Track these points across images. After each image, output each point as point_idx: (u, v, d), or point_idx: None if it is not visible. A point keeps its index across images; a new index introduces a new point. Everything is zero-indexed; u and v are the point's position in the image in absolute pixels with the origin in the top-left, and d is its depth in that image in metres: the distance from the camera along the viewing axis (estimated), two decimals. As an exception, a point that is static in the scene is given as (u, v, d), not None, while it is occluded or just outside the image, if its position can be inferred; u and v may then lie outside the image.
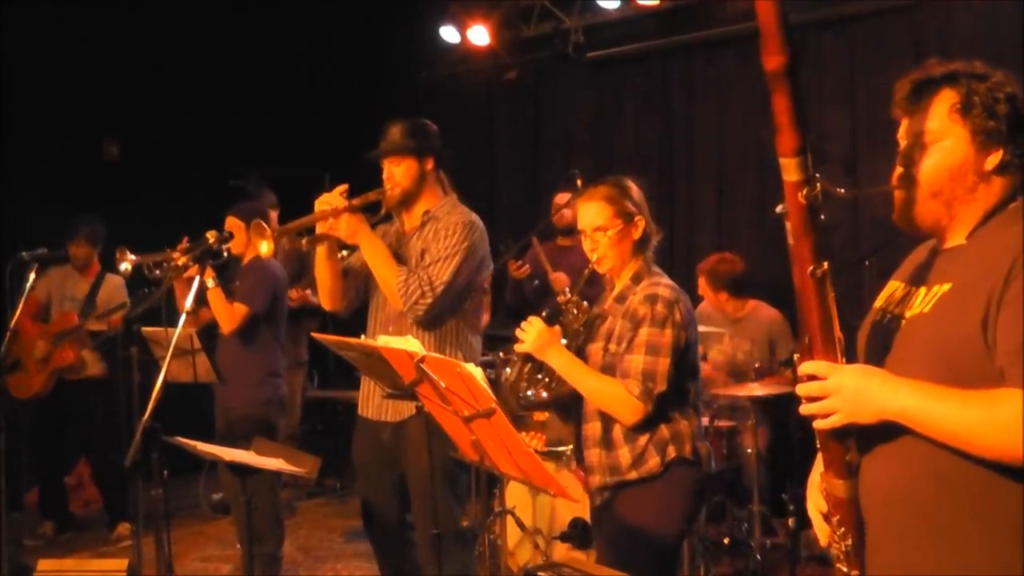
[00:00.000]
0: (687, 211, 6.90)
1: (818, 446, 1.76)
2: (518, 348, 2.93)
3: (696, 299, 5.26)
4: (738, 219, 6.65)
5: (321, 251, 3.59)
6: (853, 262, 5.41)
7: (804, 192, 1.57)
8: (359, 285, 3.73)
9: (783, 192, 1.60)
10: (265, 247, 3.48)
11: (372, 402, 3.68)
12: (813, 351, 1.68)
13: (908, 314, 1.78)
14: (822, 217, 1.61)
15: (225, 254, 4.34)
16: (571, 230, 5.70)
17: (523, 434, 3.32)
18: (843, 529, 1.79)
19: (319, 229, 3.51)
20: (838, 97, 6.12)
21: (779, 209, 1.62)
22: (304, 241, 3.55)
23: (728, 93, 6.65)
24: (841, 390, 1.65)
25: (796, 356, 1.74)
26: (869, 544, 1.77)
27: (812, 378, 1.68)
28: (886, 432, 1.67)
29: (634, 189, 3.02)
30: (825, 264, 1.62)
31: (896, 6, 5.86)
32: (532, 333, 2.89)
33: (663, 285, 2.94)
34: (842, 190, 1.72)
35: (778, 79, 1.52)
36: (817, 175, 1.58)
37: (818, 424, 1.70)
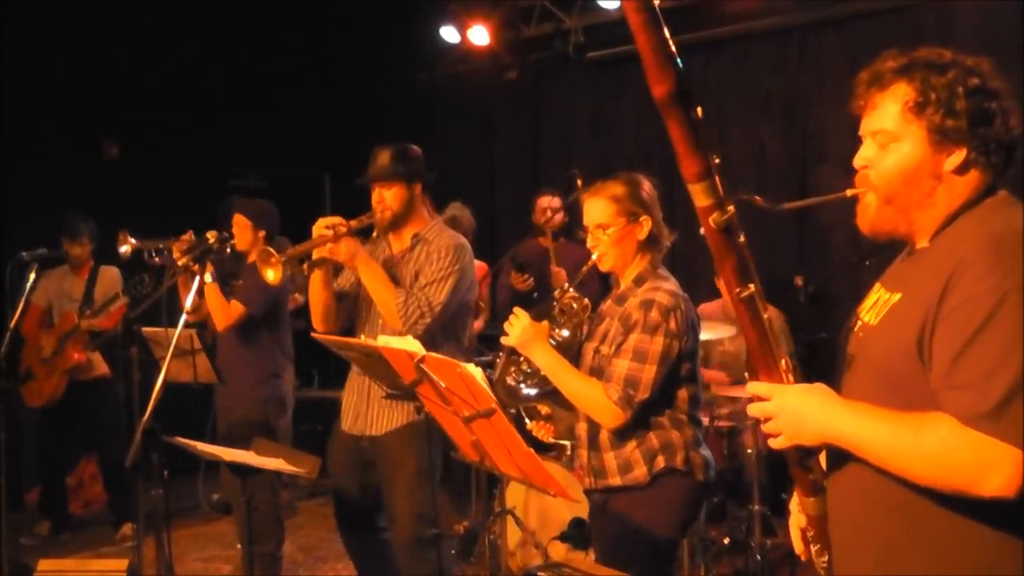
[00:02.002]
0: (687, 211, 6.87)
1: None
2: (503, 341, 2.91)
3: (702, 299, 5.26)
4: (737, 219, 6.64)
5: (318, 275, 3.64)
6: (853, 262, 5.41)
7: (714, 216, 1.52)
8: (350, 307, 3.81)
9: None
10: (272, 275, 3.56)
11: (349, 414, 3.76)
12: (757, 372, 1.65)
13: (870, 323, 1.72)
14: (741, 238, 1.55)
15: (229, 250, 4.35)
16: (557, 235, 5.84)
17: (532, 424, 3.32)
18: (819, 546, 1.77)
19: (318, 253, 3.56)
20: (838, 97, 6.09)
21: (702, 231, 1.57)
22: (304, 266, 3.59)
23: (728, 93, 6.64)
24: (781, 412, 1.62)
25: (746, 375, 1.72)
26: (835, 560, 1.75)
27: (759, 399, 1.65)
28: (841, 453, 1.63)
29: (645, 187, 2.95)
30: (751, 286, 1.57)
31: (896, 6, 5.86)
32: (517, 327, 2.86)
33: (663, 290, 2.86)
34: (758, 198, 1.66)
35: (667, 106, 1.45)
36: (741, 195, 1.53)
37: (772, 443, 1.67)
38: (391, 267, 3.71)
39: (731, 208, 1.51)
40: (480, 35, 7.16)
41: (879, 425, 1.55)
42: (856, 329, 1.77)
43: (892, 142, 1.66)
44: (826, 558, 1.76)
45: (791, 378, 1.64)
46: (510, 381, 3.04)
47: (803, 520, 1.83)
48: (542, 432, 3.30)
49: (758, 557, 4.51)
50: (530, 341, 2.85)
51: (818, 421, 1.59)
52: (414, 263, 3.67)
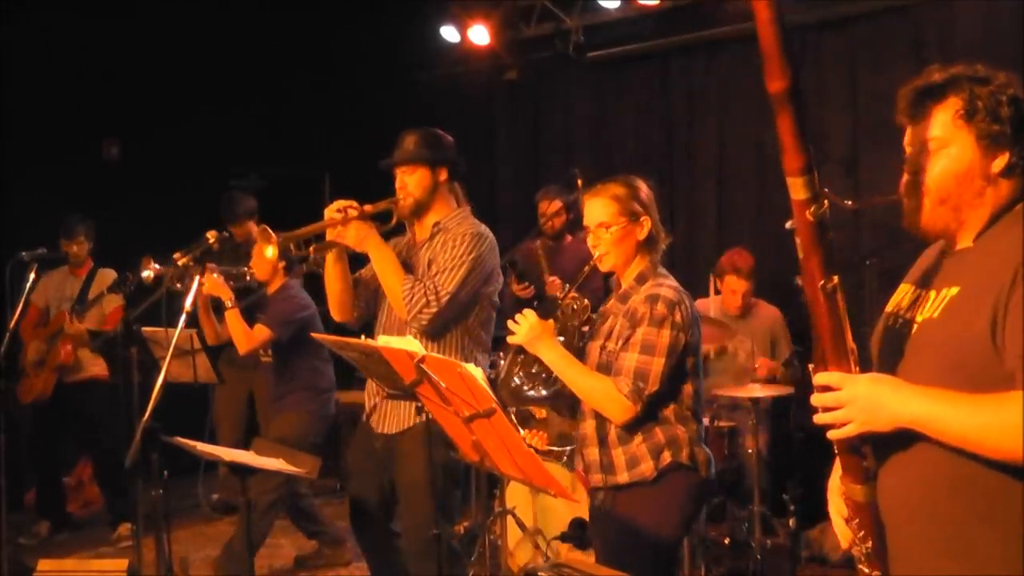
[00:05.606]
0: (687, 211, 6.90)
1: (836, 452, 1.79)
2: (510, 340, 2.91)
3: (697, 298, 5.26)
4: (738, 219, 6.64)
5: (329, 259, 3.55)
6: (854, 262, 5.40)
7: (812, 210, 1.61)
8: (369, 296, 3.69)
9: (791, 206, 1.62)
10: (270, 251, 3.51)
11: (376, 411, 3.66)
12: (827, 362, 1.71)
13: (919, 319, 1.81)
14: (830, 234, 1.64)
15: (248, 278, 4.37)
16: (558, 236, 5.84)
17: (525, 432, 3.32)
18: (863, 532, 1.82)
19: (328, 236, 3.47)
20: (838, 97, 6.12)
21: (788, 225, 1.66)
22: (311, 248, 3.52)
23: (728, 93, 6.64)
24: (855, 400, 1.69)
25: (811, 367, 1.76)
26: (890, 548, 1.80)
27: (827, 388, 1.71)
28: (900, 439, 1.71)
29: (643, 189, 3.00)
30: (835, 278, 1.67)
31: (896, 6, 5.86)
32: (524, 326, 2.87)
33: (667, 286, 2.91)
34: (850, 202, 1.76)
35: (782, 101, 1.54)
36: (825, 190, 1.61)
37: (833, 434, 1.73)
38: (411, 256, 3.60)
39: (826, 203, 1.61)
40: (480, 35, 7.16)
41: (957, 404, 1.64)
42: (900, 327, 1.86)
43: (943, 147, 1.79)
44: (870, 544, 1.80)
45: (858, 369, 1.72)
46: (515, 381, 3.03)
47: (844, 509, 1.86)
48: (536, 439, 3.31)
49: (758, 557, 4.51)
50: (537, 339, 2.87)
51: (891, 405, 1.68)
52: (430, 252, 3.53)
